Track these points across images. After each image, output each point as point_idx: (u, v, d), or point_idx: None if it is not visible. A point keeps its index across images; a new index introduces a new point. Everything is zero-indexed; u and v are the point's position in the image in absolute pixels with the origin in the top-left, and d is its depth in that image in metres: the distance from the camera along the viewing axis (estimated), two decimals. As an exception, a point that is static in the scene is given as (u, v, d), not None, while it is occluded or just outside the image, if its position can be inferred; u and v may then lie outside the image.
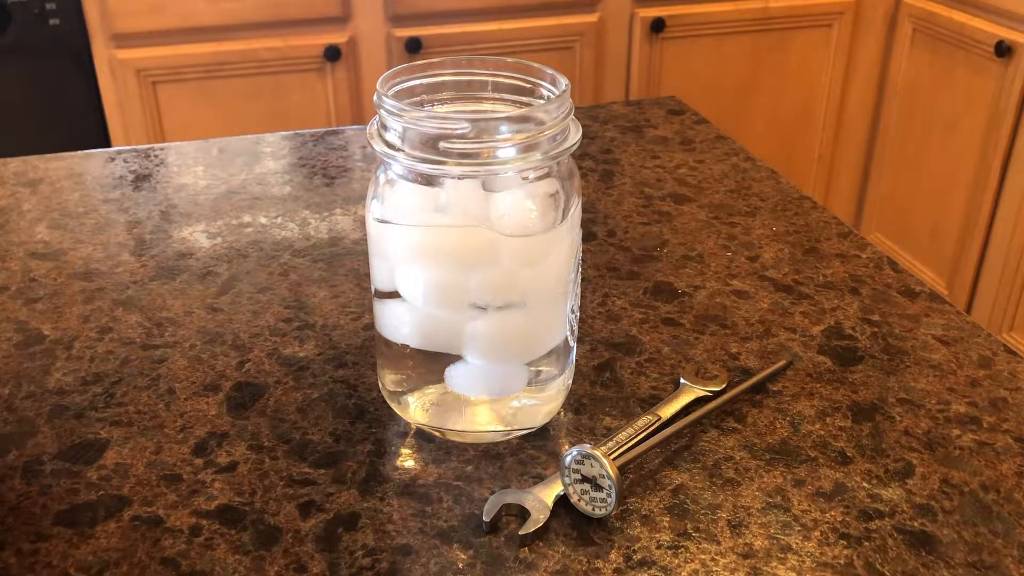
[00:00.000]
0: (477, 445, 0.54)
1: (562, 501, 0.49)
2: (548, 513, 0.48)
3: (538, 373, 0.53)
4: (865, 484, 0.51)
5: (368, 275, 0.55)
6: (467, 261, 0.49)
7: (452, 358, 0.52)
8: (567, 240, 0.51)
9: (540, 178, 0.49)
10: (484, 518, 0.48)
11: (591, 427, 0.55)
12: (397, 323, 0.53)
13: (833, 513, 0.49)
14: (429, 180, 0.48)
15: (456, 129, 0.46)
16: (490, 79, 0.52)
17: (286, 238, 0.76)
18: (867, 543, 0.47)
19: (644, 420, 0.53)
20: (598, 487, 0.48)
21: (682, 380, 0.58)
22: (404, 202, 0.50)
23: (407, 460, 0.53)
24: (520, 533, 0.47)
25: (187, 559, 0.46)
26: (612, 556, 0.47)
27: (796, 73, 2.08)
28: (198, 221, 0.79)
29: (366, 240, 0.57)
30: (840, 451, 0.53)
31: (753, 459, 0.53)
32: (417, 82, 0.52)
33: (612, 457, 0.49)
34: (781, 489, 0.51)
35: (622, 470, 0.49)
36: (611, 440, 0.51)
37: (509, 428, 0.54)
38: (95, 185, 0.85)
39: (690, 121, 0.99)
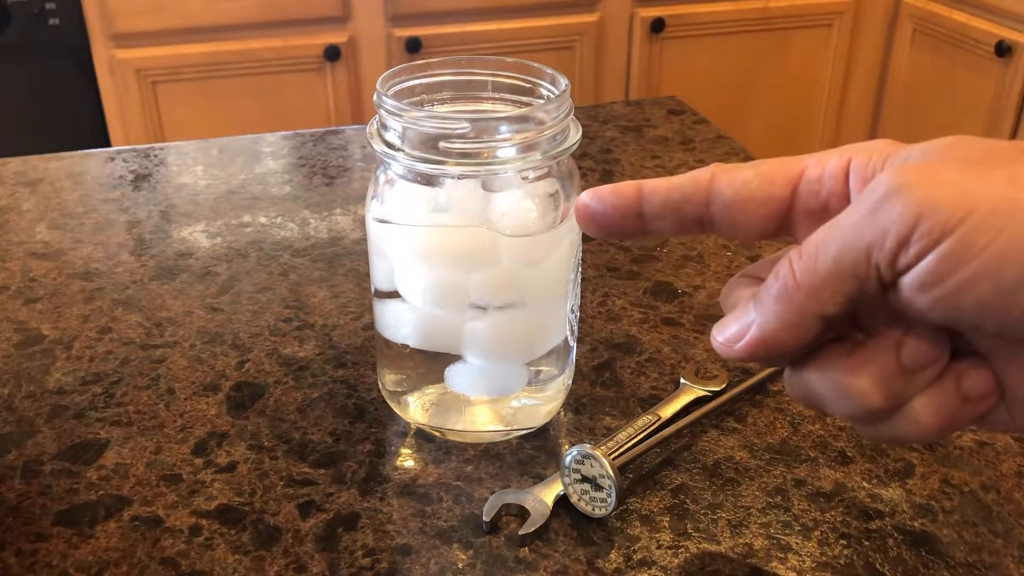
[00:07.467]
0: (477, 445, 0.54)
1: (562, 501, 0.49)
2: (548, 513, 0.48)
3: (538, 373, 0.53)
4: (865, 484, 0.51)
5: (368, 275, 0.55)
6: (467, 261, 0.49)
7: (452, 358, 0.52)
8: (567, 240, 0.51)
9: (540, 178, 0.49)
10: (484, 518, 0.48)
11: (591, 427, 0.55)
12: (397, 323, 0.53)
13: (833, 513, 0.49)
14: (429, 180, 0.48)
15: (456, 129, 0.46)
16: (490, 79, 0.52)
17: (286, 238, 0.76)
18: (867, 543, 0.47)
19: (644, 420, 0.53)
20: (598, 487, 0.48)
21: (682, 380, 0.58)
22: (404, 202, 0.50)
23: (407, 460, 0.53)
24: (520, 533, 0.47)
25: (187, 559, 0.46)
26: (612, 556, 0.47)
27: (796, 73, 2.08)
28: (198, 221, 0.79)
29: (366, 240, 0.57)
30: (840, 451, 0.53)
31: (753, 459, 0.53)
32: (417, 82, 0.52)
33: (612, 457, 0.49)
34: (781, 489, 0.51)
35: (622, 470, 0.49)
36: (611, 440, 0.51)
37: (509, 428, 0.54)
38: (95, 185, 0.85)
39: (690, 121, 0.99)
